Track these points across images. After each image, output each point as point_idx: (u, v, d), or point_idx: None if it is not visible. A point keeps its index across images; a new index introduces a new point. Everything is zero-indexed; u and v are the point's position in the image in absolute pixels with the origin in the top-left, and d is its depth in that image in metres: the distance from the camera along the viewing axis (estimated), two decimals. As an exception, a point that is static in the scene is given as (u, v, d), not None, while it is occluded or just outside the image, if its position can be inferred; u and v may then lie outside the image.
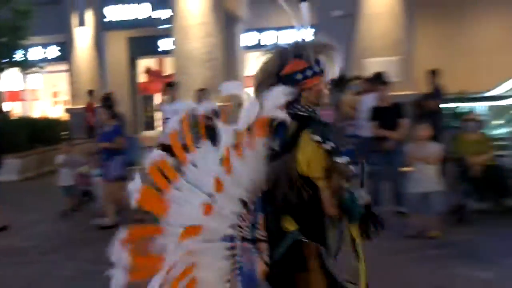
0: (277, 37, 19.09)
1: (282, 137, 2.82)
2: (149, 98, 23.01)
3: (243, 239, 2.78)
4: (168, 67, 20.15)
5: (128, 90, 20.92)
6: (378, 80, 8.73)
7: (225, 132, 2.83)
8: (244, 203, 2.75)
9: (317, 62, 2.92)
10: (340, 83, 9.37)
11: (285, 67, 2.89)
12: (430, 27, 17.95)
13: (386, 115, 8.02)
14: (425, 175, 6.97)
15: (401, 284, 5.43)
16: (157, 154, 2.93)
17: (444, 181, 7.38)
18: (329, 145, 2.68)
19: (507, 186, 8.00)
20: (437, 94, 9.89)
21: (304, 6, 3.11)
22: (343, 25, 11.95)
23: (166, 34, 14.32)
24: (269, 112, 2.66)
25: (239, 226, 2.76)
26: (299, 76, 2.88)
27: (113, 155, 8.31)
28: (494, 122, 13.58)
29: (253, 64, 21.14)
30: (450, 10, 17.87)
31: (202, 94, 10.24)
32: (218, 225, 2.70)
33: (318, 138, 2.69)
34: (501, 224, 7.46)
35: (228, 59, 15.26)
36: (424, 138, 7.12)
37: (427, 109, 9.34)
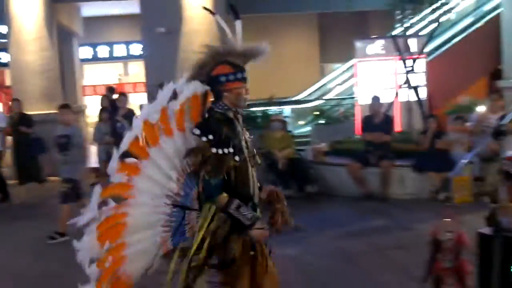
0: (110, 51, 20.00)
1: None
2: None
3: (175, 205, 3.14)
4: (8, 78, 19.08)
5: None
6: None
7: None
8: (179, 173, 3.13)
9: (242, 70, 3.15)
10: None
11: (214, 69, 3.10)
12: (246, 42, 18.84)
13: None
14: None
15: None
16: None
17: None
18: (206, 137, 2.96)
19: (308, 176, 8.77)
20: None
21: (238, 23, 3.33)
22: (167, 41, 12.31)
23: (5, 47, 13.85)
24: (181, 100, 3.09)
25: (173, 194, 3.14)
26: (223, 79, 3.07)
27: None
28: (298, 122, 14.67)
29: (89, 75, 21.41)
30: (262, 25, 18.91)
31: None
32: (149, 186, 3.11)
33: (197, 131, 3.00)
34: (304, 208, 8.02)
35: (64, 71, 15.15)
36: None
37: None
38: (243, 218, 2.93)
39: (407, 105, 10.03)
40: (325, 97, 16.09)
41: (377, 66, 11.23)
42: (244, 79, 3.14)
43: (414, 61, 10.01)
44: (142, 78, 15.86)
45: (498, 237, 3.36)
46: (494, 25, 14.97)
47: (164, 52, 12.31)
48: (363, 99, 10.83)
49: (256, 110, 12.71)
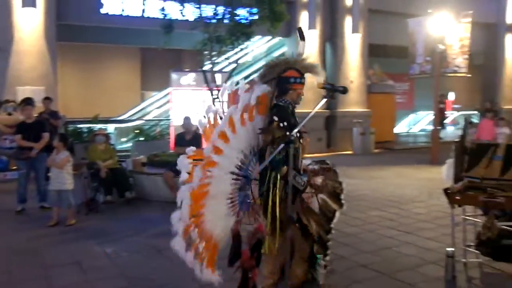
0: None
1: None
2: None
3: (244, 177, 3.47)
4: None
5: None
6: (26, 103, 8.31)
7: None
8: (245, 155, 3.48)
9: (303, 76, 3.59)
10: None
11: (286, 71, 3.53)
12: (76, 67, 17.90)
13: (30, 129, 7.60)
14: (58, 177, 6.83)
15: (46, 265, 5.20)
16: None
17: (78, 181, 7.36)
18: (282, 123, 3.35)
19: (127, 183, 8.38)
20: (55, 115, 9.88)
21: (302, 44, 3.69)
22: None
23: None
24: (252, 99, 3.45)
25: (243, 167, 3.47)
26: (292, 80, 3.53)
27: None
28: (121, 139, 14.15)
29: None
30: (91, 56, 18.07)
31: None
32: (227, 163, 3.37)
33: (276, 118, 3.37)
34: (123, 212, 7.80)
35: None
36: (58, 148, 6.93)
37: (52, 126, 9.20)
38: (298, 185, 3.33)
39: (213, 127, 10.13)
40: (145, 118, 15.73)
41: (189, 94, 11.33)
42: (303, 84, 3.59)
43: (219, 92, 10.15)
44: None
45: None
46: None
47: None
48: (176, 121, 10.82)
49: (83, 127, 12.04)
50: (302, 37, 3.74)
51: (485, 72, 20.39)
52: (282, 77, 3.53)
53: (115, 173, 8.14)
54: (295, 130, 3.30)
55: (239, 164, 3.46)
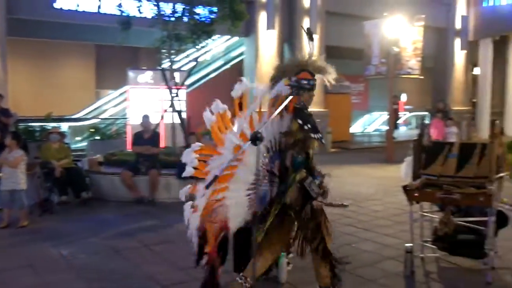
0: None
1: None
2: None
3: (267, 170, 3.49)
4: None
5: None
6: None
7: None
8: (267, 150, 3.50)
9: (314, 77, 3.59)
10: None
11: (299, 73, 3.53)
12: (28, 63, 17.34)
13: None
14: (11, 176, 6.56)
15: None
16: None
17: (31, 181, 7.10)
18: (306, 126, 3.40)
19: (83, 183, 8.14)
20: (6, 113, 9.47)
21: (311, 44, 3.68)
22: None
23: None
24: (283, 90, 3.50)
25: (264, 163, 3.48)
26: (305, 82, 3.52)
27: None
28: (76, 138, 13.76)
29: None
30: (44, 52, 17.54)
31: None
32: (251, 159, 3.30)
33: (300, 121, 3.41)
34: (79, 212, 7.55)
35: None
36: (11, 147, 6.65)
37: (2, 124, 8.85)
38: (312, 192, 3.42)
39: (172, 125, 10.01)
40: (100, 117, 15.32)
41: (146, 92, 11.12)
42: (315, 86, 3.61)
43: (177, 90, 10.04)
44: None
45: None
46: (238, 68, 16.04)
47: None
48: (134, 119, 10.61)
49: (35, 125, 11.61)
50: (311, 38, 3.72)
51: (435, 74, 21.07)
52: (297, 79, 3.54)
53: (70, 173, 7.88)
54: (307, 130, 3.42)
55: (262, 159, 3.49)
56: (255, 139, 2.86)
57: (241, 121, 3.59)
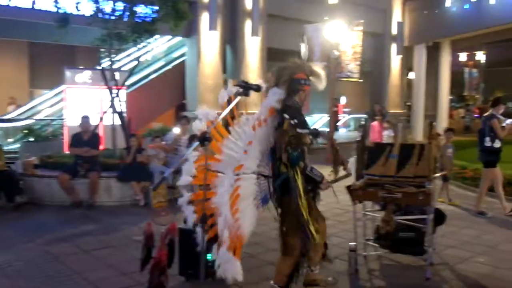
0: None
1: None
2: None
3: (261, 175, 3.55)
4: None
5: None
6: None
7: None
8: (262, 154, 3.57)
9: (309, 79, 3.73)
10: None
11: (296, 73, 3.67)
12: None
13: None
14: None
15: None
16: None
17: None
18: (293, 121, 3.48)
19: (17, 187, 7.77)
20: None
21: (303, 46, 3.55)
22: None
23: None
24: (271, 102, 3.55)
25: (260, 166, 3.54)
26: (302, 81, 3.68)
27: None
28: (8, 139, 13.09)
29: None
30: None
31: None
32: (250, 164, 3.44)
33: (286, 115, 3.50)
34: (13, 217, 7.21)
35: None
36: None
37: None
38: (316, 177, 3.63)
39: (112, 127, 9.72)
40: (35, 117, 14.61)
41: (85, 92, 10.76)
42: (310, 86, 3.75)
43: (118, 91, 9.77)
44: None
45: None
46: (180, 68, 15.86)
47: None
48: (71, 120, 10.23)
49: None
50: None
51: (372, 78, 21.77)
52: (294, 78, 3.67)
53: (2, 176, 7.48)
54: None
55: (259, 163, 3.59)
56: (204, 139, 2.84)
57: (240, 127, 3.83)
